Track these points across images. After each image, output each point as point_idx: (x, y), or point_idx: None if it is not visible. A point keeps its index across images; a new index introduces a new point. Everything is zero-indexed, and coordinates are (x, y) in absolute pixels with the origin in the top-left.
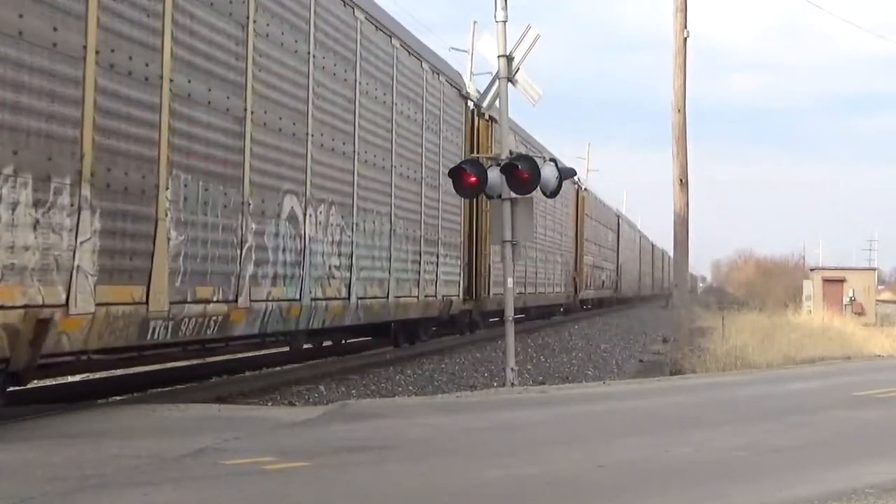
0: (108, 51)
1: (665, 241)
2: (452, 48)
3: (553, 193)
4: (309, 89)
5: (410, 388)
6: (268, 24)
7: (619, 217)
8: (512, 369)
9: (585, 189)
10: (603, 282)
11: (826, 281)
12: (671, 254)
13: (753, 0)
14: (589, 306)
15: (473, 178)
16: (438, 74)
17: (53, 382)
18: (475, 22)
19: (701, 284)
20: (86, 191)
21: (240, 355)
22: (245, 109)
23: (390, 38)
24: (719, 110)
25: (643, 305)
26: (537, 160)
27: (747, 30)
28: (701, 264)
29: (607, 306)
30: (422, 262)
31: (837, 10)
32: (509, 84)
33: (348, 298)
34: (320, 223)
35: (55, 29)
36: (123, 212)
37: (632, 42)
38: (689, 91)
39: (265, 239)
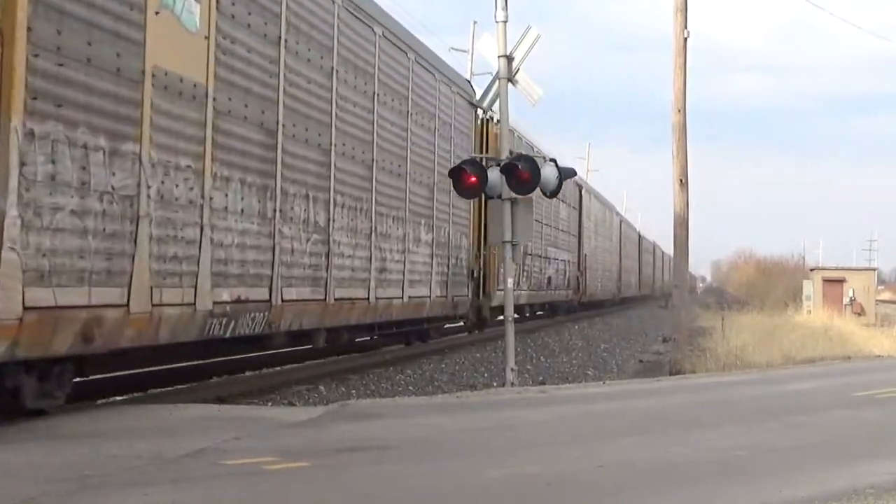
0: None
1: (665, 241)
2: (453, 48)
3: (553, 193)
4: None
5: (410, 388)
6: None
7: (581, 188)
8: (512, 369)
9: (497, 122)
10: (549, 279)
11: (826, 281)
12: (664, 248)
13: (754, 1)
14: (541, 312)
15: (473, 178)
16: None
17: None
18: (475, 22)
19: (701, 285)
20: None
21: (240, 355)
22: None
23: None
24: (720, 111)
25: (636, 308)
26: (537, 160)
27: (748, 31)
28: (701, 264)
29: (565, 314)
30: None
31: (838, 11)
32: (510, 84)
33: None
34: None
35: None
36: None
37: (632, 42)
38: (690, 92)
39: None
